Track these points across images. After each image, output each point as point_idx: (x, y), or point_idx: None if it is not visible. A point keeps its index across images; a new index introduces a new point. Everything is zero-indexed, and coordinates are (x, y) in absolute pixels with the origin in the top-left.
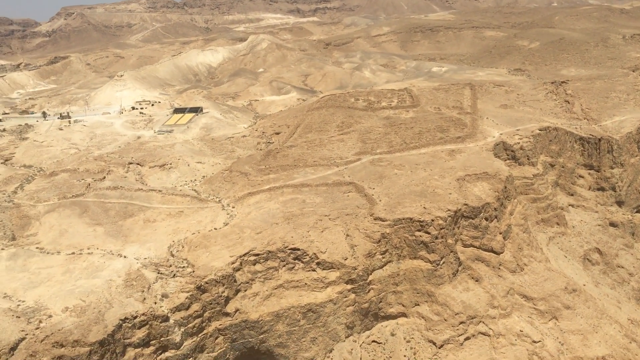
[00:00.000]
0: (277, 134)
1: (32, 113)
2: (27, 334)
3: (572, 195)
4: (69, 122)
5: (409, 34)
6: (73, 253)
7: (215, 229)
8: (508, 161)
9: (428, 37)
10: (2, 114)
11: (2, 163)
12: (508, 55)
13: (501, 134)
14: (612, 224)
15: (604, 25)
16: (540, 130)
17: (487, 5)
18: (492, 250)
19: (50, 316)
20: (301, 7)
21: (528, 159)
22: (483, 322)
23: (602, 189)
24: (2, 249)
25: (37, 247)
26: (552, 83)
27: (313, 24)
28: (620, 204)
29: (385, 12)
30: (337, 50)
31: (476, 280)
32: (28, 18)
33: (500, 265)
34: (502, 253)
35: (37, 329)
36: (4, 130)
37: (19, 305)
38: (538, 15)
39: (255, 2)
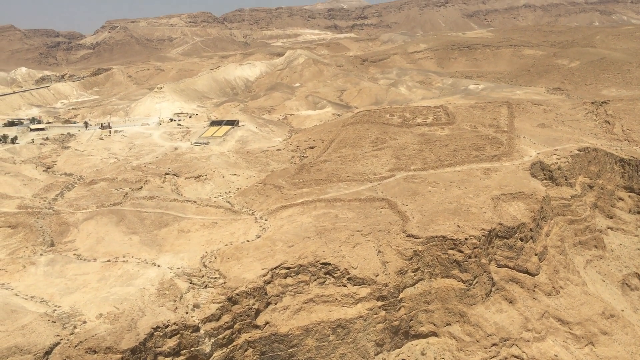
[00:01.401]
0: (312, 148)
1: (75, 123)
2: (61, 339)
3: (611, 217)
4: (110, 132)
5: (446, 51)
6: (109, 260)
7: (248, 241)
8: (545, 181)
9: (465, 54)
10: (46, 122)
11: (44, 170)
12: (547, 74)
13: (538, 153)
14: None
15: None
16: (579, 150)
17: (527, 23)
18: (527, 272)
19: (84, 322)
20: (339, 24)
21: (566, 179)
22: (516, 345)
23: None
24: (41, 255)
25: (74, 254)
26: (592, 103)
27: (350, 40)
28: None
29: (423, 29)
30: (373, 67)
31: (510, 302)
32: (74, 31)
33: (535, 287)
34: (537, 275)
35: (71, 334)
36: (47, 138)
37: (54, 310)
38: (578, 35)
39: (294, 18)
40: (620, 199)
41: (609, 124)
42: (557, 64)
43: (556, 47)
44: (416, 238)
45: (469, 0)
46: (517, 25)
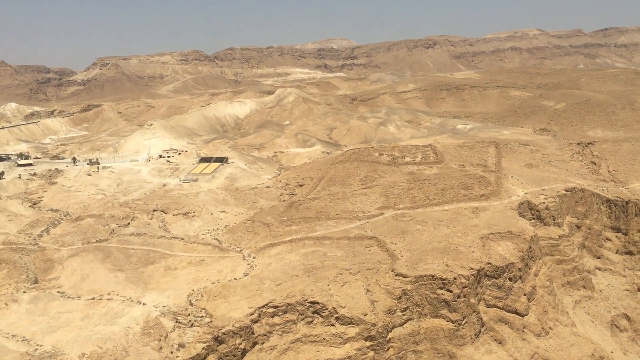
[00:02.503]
0: (301, 185)
1: (63, 158)
2: None
3: (599, 258)
4: (98, 168)
5: (434, 92)
6: (93, 298)
7: (235, 279)
8: (533, 221)
9: (453, 94)
10: (34, 158)
11: (30, 206)
12: (533, 115)
13: (526, 193)
14: None
15: (631, 89)
16: (566, 190)
17: (513, 65)
18: (516, 312)
19: None
20: (328, 63)
21: (553, 219)
22: None
23: (630, 253)
24: (25, 292)
25: (58, 291)
26: (579, 144)
27: (340, 79)
28: None
29: (411, 70)
30: (362, 105)
31: (499, 343)
32: (65, 67)
33: (524, 327)
34: (526, 315)
35: None
36: (35, 174)
37: (36, 349)
38: (564, 77)
39: (284, 57)
40: (608, 239)
41: (595, 164)
42: (543, 105)
43: (542, 88)
44: (405, 277)
45: (456, 43)
46: (503, 67)
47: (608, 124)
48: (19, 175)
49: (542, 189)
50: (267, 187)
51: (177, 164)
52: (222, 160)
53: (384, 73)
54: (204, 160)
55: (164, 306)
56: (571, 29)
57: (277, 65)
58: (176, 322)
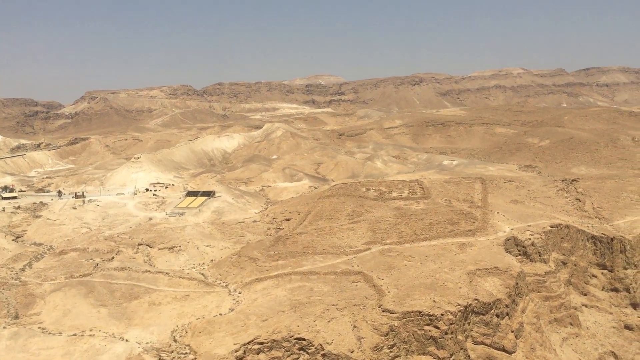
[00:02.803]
0: (288, 220)
1: (48, 191)
2: None
3: (585, 295)
4: (83, 201)
5: (420, 128)
6: (75, 334)
7: (221, 314)
8: (519, 257)
9: (439, 131)
10: (19, 191)
11: (13, 240)
12: (518, 151)
13: (512, 229)
14: (628, 327)
15: (613, 127)
16: (551, 227)
17: (498, 103)
18: (503, 349)
19: None
20: (316, 99)
21: (540, 255)
22: None
23: (616, 290)
24: (4, 328)
25: (39, 327)
26: (563, 181)
27: (327, 114)
28: (635, 306)
29: (398, 106)
30: (350, 141)
31: None
32: (53, 100)
33: None
34: (514, 352)
35: None
36: (19, 207)
37: None
38: (547, 115)
39: (273, 93)
40: (594, 276)
41: (580, 201)
42: (527, 142)
43: (526, 126)
44: (392, 313)
45: (442, 80)
46: (488, 105)
47: (592, 162)
48: (3, 208)
49: (528, 225)
50: (254, 221)
51: (163, 198)
52: (209, 194)
53: (371, 109)
54: (191, 194)
55: (147, 342)
56: (554, 68)
57: (266, 101)
58: (159, 359)
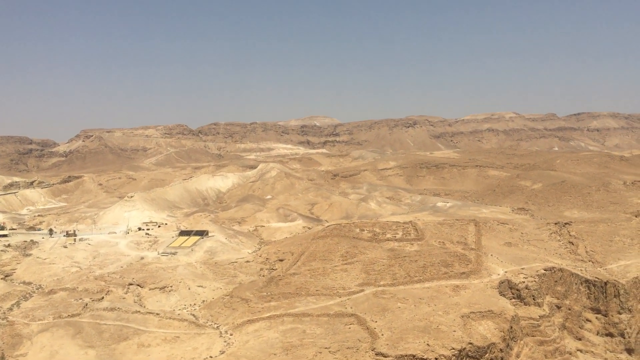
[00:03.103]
0: (281, 260)
1: (39, 230)
2: None
3: (580, 339)
4: (74, 240)
5: (414, 169)
6: None
7: (211, 357)
8: (513, 300)
9: (433, 172)
10: (10, 229)
11: (2, 279)
12: (511, 194)
13: (506, 271)
14: None
15: (605, 171)
16: (545, 270)
17: (490, 146)
18: None
19: None
20: (311, 139)
21: (534, 298)
22: None
23: (610, 335)
24: None
25: None
26: (556, 224)
27: (322, 155)
28: (630, 351)
29: (392, 148)
30: (344, 181)
31: None
32: (47, 138)
33: None
34: None
35: None
36: (9, 245)
37: None
38: (540, 158)
39: (268, 133)
40: (588, 320)
41: (573, 244)
42: (520, 185)
43: (519, 169)
44: (385, 357)
45: (435, 123)
46: (481, 147)
47: (584, 205)
48: None
49: (522, 268)
50: (247, 261)
51: (156, 237)
52: (202, 233)
53: (365, 150)
54: (183, 233)
55: None
56: (545, 112)
57: (261, 141)
58: None
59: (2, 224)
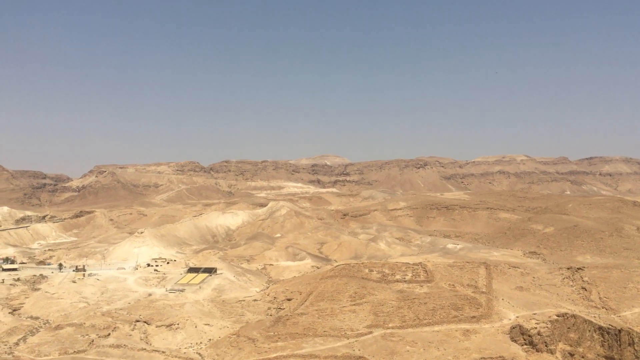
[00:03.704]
0: (289, 300)
1: (49, 264)
2: None
3: None
4: (83, 275)
5: (424, 210)
6: None
7: None
8: (525, 346)
9: (443, 214)
10: (20, 263)
11: (10, 313)
12: (523, 237)
13: (517, 316)
14: None
15: (617, 216)
16: (558, 316)
17: (502, 188)
18: None
19: None
20: (321, 178)
21: (546, 345)
22: None
23: None
24: None
25: None
26: (568, 269)
27: (332, 194)
28: None
29: (402, 188)
30: (353, 221)
31: None
32: (61, 173)
33: None
34: None
35: None
36: (18, 279)
37: None
38: (551, 202)
39: (278, 171)
40: None
41: (586, 290)
42: (532, 229)
43: (530, 212)
44: None
45: (446, 164)
46: (492, 190)
47: (597, 250)
48: (2, 280)
49: (534, 313)
50: (255, 300)
51: (164, 274)
52: (210, 270)
53: (375, 190)
54: (192, 270)
55: None
56: (557, 156)
57: (271, 179)
58: None
59: (12, 258)
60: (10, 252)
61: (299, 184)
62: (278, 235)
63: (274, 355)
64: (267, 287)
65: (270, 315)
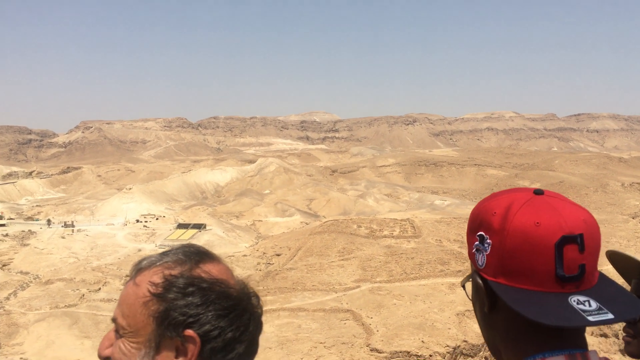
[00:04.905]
0: (278, 255)
1: (37, 220)
2: None
3: None
4: (72, 230)
5: (413, 167)
6: None
7: None
8: None
9: (432, 170)
10: (8, 219)
11: None
12: None
13: None
14: None
15: (603, 172)
16: None
17: (490, 145)
18: None
19: None
20: (310, 135)
21: None
22: None
23: (604, 335)
24: None
25: (21, 358)
26: None
27: (321, 151)
28: (624, 352)
29: (391, 145)
30: (342, 178)
31: None
32: (47, 129)
33: None
34: None
35: None
36: (7, 235)
37: None
38: (538, 158)
39: (267, 128)
40: None
41: None
42: (519, 185)
43: (518, 168)
44: (380, 352)
45: (435, 121)
46: (480, 146)
47: (582, 205)
48: None
49: None
50: (244, 255)
51: (154, 229)
52: (199, 227)
53: (364, 147)
54: (181, 226)
55: None
56: (545, 113)
57: (260, 135)
58: None
59: (0, 214)
60: None
61: (288, 141)
62: (267, 191)
63: (264, 309)
64: (256, 243)
65: (260, 270)
